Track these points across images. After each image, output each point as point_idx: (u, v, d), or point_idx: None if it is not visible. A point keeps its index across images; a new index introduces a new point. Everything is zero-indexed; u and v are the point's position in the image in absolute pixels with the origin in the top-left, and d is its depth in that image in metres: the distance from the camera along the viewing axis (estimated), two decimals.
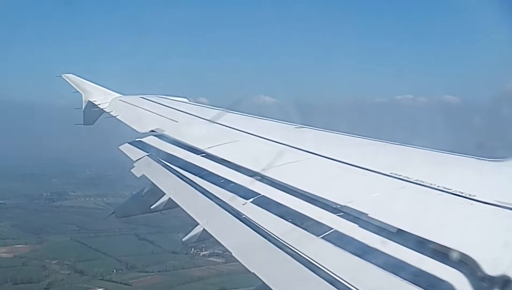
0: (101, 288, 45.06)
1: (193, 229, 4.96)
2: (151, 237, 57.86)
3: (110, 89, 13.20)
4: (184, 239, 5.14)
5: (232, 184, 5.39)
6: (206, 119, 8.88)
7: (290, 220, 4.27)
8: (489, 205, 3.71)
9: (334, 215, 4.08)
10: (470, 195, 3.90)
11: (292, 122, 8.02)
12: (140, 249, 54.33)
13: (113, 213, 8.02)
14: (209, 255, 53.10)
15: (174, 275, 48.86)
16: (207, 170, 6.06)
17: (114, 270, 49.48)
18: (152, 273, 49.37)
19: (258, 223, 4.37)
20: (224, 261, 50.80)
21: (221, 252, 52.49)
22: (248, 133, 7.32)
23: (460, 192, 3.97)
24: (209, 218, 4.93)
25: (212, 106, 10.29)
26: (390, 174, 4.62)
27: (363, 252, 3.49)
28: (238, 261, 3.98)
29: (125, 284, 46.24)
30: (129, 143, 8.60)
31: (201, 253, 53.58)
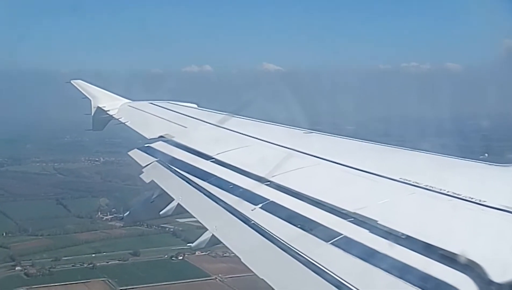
0: None
1: (202, 234, 4.98)
2: (69, 201, 59.16)
3: (119, 94, 13.30)
4: (193, 244, 5.16)
5: (241, 190, 5.40)
6: (215, 125, 8.90)
7: (299, 226, 4.27)
8: (499, 211, 3.69)
9: (343, 221, 4.08)
10: (480, 200, 3.87)
11: (300, 125, 8.03)
12: (47, 213, 55.28)
13: (122, 218, 8.07)
14: (111, 219, 54.16)
15: (61, 239, 49.72)
16: (216, 176, 6.08)
17: (4, 233, 50.17)
18: (40, 237, 50.14)
19: (267, 228, 4.37)
20: (122, 225, 51.66)
21: (122, 216, 53.81)
22: (257, 139, 7.33)
23: (470, 197, 3.95)
24: (218, 224, 4.94)
25: (220, 111, 10.30)
26: (399, 180, 4.61)
27: (372, 258, 3.48)
28: (247, 266, 3.98)
29: (4, 247, 47.09)
30: (138, 148, 8.65)
31: (104, 218, 54.98)
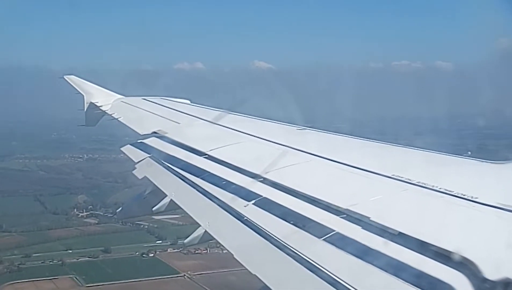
0: None
1: (195, 230, 4.97)
2: (46, 198, 59.34)
3: (112, 90, 13.23)
4: (186, 240, 5.14)
5: (234, 186, 5.39)
6: (208, 121, 8.89)
7: (291, 222, 4.27)
8: (491, 208, 3.70)
9: (336, 217, 4.08)
10: (472, 197, 3.89)
11: (293, 122, 8.04)
12: (24, 209, 55.26)
13: (115, 215, 8.06)
14: (87, 216, 55.06)
15: (34, 236, 49.74)
16: (209, 172, 6.07)
17: None
18: (14, 233, 50.22)
19: (260, 225, 4.37)
20: (96, 222, 53.06)
21: (101, 214, 54.47)
22: (250, 135, 7.32)
23: (462, 194, 3.97)
24: (210, 220, 4.93)
25: (214, 108, 10.28)
26: (392, 176, 4.62)
27: (365, 254, 3.49)
28: (240, 263, 3.98)
29: None
30: (131, 144, 8.62)
31: (80, 215, 55.56)
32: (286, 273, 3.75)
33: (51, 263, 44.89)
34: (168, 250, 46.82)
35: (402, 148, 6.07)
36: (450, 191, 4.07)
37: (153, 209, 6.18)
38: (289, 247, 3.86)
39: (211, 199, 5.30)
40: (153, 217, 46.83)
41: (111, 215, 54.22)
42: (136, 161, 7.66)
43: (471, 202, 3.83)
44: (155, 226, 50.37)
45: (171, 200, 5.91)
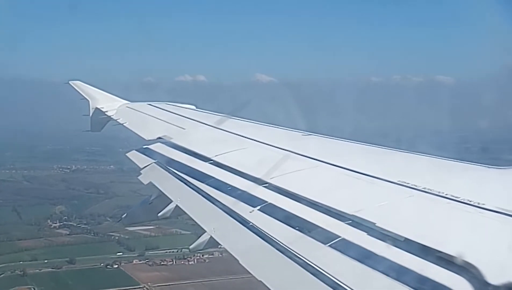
0: None
1: (200, 236, 4.97)
2: (24, 208, 59.33)
3: (118, 96, 13.27)
4: (191, 246, 5.15)
5: (239, 192, 5.40)
6: (213, 126, 8.89)
7: (297, 228, 4.27)
8: (498, 214, 3.69)
9: (342, 223, 4.08)
10: (479, 203, 3.87)
11: (298, 128, 8.04)
12: None
13: (120, 220, 8.06)
14: (59, 227, 55.05)
15: (3, 246, 49.35)
16: (214, 178, 6.08)
17: None
18: None
19: (265, 230, 4.37)
20: (68, 233, 53.17)
21: (74, 225, 54.79)
22: (255, 140, 7.32)
23: (468, 200, 3.95)
24: (216, 226, 4.93)
25: (219, 113, 10.29)
26: (397, 182, 4.61)
27: (370, 260, 3.48)
28: (246, 269, 3.98)
29: None
30: (136, 150, 8.64)
31: (53, 225, 55.62)
32: (291, 279, 3.74)
33: (12, 273, 44.46)
34: (134, 261, 46.95)
35: (407, 154, 6.05)
36: (456, 197, 4.05)
37: (159, 215, 6.19)
38: (294, 253, 3.86)
39: (216, 205, 5.31)
40: (127, 228, 47.02)
41: (85, 226, 54.99)
42: (141, 166, 7.67)
43: (478, 208, 3.82)
44: (126, 237, 50.33)
45: (177, 206, 5.92)
